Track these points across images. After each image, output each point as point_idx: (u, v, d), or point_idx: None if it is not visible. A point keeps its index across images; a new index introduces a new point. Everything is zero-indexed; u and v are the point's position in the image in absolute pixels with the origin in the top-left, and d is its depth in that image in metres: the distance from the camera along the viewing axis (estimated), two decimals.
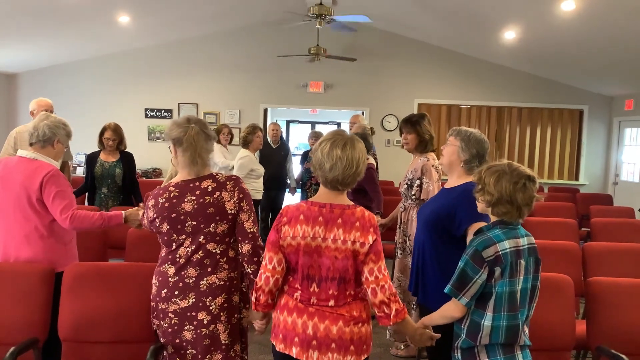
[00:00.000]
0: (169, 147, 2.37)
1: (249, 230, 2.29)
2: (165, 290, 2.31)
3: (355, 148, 2.00)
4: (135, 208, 2.77)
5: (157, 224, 2.30)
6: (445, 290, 2.06)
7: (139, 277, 2.56)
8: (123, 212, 2.76)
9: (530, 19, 6.53)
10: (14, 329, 2.50)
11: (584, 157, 9.28)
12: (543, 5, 5.81)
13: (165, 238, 2.31)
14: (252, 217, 2.33)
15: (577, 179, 9.31)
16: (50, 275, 2.60)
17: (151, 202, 2.33)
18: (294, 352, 1.99)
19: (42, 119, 2.77)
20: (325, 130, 10.58)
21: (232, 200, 2.29)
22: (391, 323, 1.97)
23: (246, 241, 2.29)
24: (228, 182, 2.32)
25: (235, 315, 2.37)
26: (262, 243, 2.31)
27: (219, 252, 2.31)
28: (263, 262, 2.05)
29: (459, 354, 2.10)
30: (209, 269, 2.29)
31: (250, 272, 2.28)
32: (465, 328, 2.07)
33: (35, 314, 2.54)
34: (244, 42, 9.04)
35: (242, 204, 2.31)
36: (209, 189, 2.29)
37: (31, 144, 2.74)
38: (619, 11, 5.43)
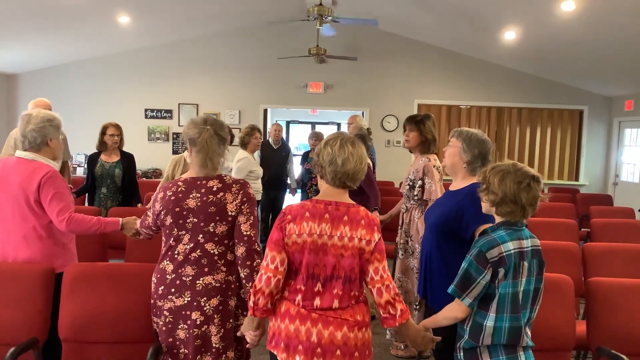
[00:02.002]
0: (185, 145, 2.42)
1: (245, 233, 2.29)
2: (163, 287, 2.32)
3: (361, 146, 2.09)
4: (133, 217, 2.76)
5: (162, 217, 2.32)
6: (449, 291, 2.07)
7: (139, 277, 2.56)
8: (120, 219, 2.75)
9: (530, 20, 6.54)
10: (14, 330, 2.50)
11: (584, 158, 9.27)
12: (543, 6, 5.81)
13: (167, 232, 2.34)
14: (252, 221, 2.32)
15: (577, 179, 9.31)
16: (50, 275, 2.60)
17: (160, 195, 2.36)
18: None
19: (25, 122, 2.69)
20: (325, 130, 10.59)
21: (235, 203, 2.30)
22: (397, 324, 1.97)
23: (241, 243, 2.28)
24: (234, 185, 2.34)
25: (231, 321, 2.35)
26: (258, 247, 2.31)
27: (217, 253, 2.31)
28: (264, 263, 1.99)
29: (462, 354, 2.11)
30: (206, 269, 2.30)
31: (243, 275, 2.27)
32: (468, 329, 2.07)
33: (35, 315, 2.54)
34: (244, 43, 9.04)
35: (242, 207, 2.31)
36: (214, 189, 2.31)
37: (25, 150, 2.72)
38: (619, 12, 5.43)
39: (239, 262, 2.29)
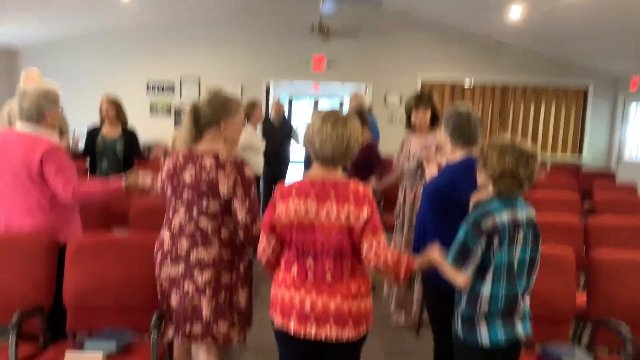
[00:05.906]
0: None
1: (241, 222, 2.29)
2: (161, 255, 2.38)
3: (347, 125, 1.99)
4: (134, 174, 2.73)
5: (165, 187, 2.39)
6: (448, 262, 2.08)
7: (141, 248, 2.58)
8: (123, 183, 2.74)
9: None
10: (19, 298, 2.53)
11: (588, 135, 9.23)
12: None
13: (168, 201, 2.40)
14: (247, 206, 2.29)
15: (580, 156, 9.28)
16: (54, 247, 2.63)
17: (166, 165, 2.41)
18: (291, 325, 2.00)
19: (22, 97, 2.68)
20: (328, 105, 10.52)
21: (227, 184, 2.27)
22: (403, 283, 2.06)
23: (240, 229, 2.32)
24: (228, 164, 2.30)
25: (223, 293, 2.33)
26: (255, 233, 2.29)
27: (210, 229, 2.32)
28: (260, 238, 2.11)
29: (460, 322, 2.13)
30: (199, 243, 2.32)
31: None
32: (465, 297, 2.10)
33: (41, 283, 2.57)
34: (247, 17, 8.93)
35: (236, 190, 2.28)
36: (207, 166, 2.30)
37: (23, 121, 2.70)
38: None
39: (239, 241, 2.38)
